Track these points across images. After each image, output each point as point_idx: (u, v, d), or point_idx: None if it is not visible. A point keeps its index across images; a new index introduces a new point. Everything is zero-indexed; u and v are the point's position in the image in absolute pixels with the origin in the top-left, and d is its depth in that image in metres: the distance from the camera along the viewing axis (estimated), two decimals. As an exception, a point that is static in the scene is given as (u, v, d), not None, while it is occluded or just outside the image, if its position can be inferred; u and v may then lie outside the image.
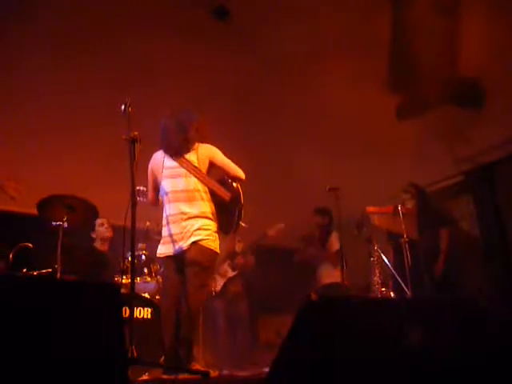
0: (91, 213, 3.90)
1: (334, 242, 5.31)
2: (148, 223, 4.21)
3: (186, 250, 3.18)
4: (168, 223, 3.26)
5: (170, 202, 3.28)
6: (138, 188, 3.38)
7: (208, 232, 3.21)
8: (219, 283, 5.36)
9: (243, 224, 3.28)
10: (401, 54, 5.19)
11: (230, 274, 5.39)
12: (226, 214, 3.29)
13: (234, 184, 3.34)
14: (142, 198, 3.51)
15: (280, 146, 5.67)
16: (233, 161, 3.39)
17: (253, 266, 5.51)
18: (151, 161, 3.44)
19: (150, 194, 3.48)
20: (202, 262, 3.17)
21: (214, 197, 3.30)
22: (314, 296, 2.15)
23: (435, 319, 2.05)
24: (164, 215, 3.33)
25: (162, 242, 3.32)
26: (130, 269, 3.82)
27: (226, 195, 3.26)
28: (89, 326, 1.86)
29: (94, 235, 4.63)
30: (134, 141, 2.87)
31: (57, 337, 1.83)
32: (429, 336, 1.96)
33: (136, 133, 2.91)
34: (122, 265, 3.87)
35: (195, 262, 3.15)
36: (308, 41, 5.25)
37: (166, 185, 3.31)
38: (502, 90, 5.02)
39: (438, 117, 5.34)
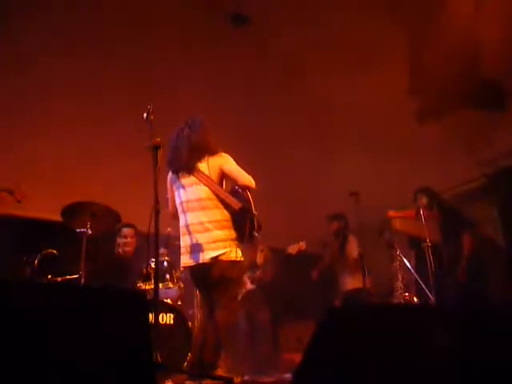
0: (114, 219, 3.94)
1: (353, 248, 5.27)
2: (169, 229, 4.24)
3: (208, 266, 3.15)
4: (184, 233, 3.26)
5: (183, 211, 3.28)
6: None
7: (226, 243, 3.16)
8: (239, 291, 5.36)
9: (257, 234, 3.25)
10: (421, 57, 5.16)
11: (249, 286, 5.38)
12: (238, 223, 3.23)
13: (245, 193, 3.27)
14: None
15: (297, 151, 5.66)
16: (250, 169, 3.33)
17: (271, 279, 5.50)
18: (169, 173, 3.44)
19: (171, 205, 3.43)
20: (230, 277, 3.17)
21: (227, 206, 3.25)
22: (336, 303, 2.16)
23: (469, 329, 2.02)
24: (180, 225, 3.32)
25: (181, 252, 3.31)
26: (152, 275, 3.90)
27: (235, 205, 3.19)
28: (115, 333, 1.87)
29: (119, 240, 4.67)
30: (156, 147, 2.89)
31: (83, 343, 1.84)
32: (461, 346, 1.93)
33: (158, 139, 2.92)
34: (144, 271, 3.90)
35: (222, 280, 3.14)
36: (324, 44, 5.25)
37: (180, 194, 3.32)
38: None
39: (459, 119, 5.29)
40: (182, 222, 3.30)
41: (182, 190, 3.31)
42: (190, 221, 3.23)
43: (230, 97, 5.48)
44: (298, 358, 5.06)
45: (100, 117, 5.04)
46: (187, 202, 3.27)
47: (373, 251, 4.58)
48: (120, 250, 4.65)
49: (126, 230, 4.62)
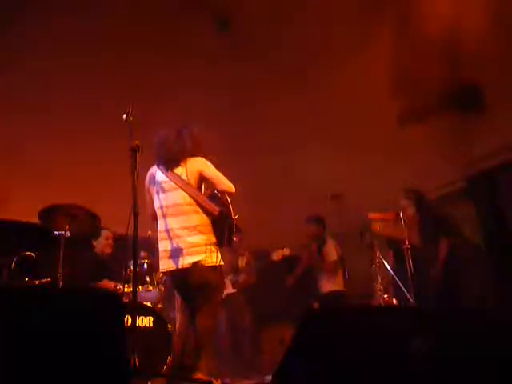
0: (93, 221, 3.90)
1: (331, 251, 5.30)
2: (150, 232, 4.21)
3: (188, 271, 3.14)
4: (163, 238, 3.25)
5: (161, 217, 3.26)
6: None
7: (205, 248, 3.16)
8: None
9: (235, 239, 3.26)
10: (402, 59, 5.21)
11: (230, 290, 5.37)
12: (217, 228, 3.25)
13: (223, 197, 3.28)
14: None
15: (279, 151, 5.67)
16: (229, 171, 3.32)
17: (253, 283, 5.50)
18: (147, 177, 3.42)
19: (150, 208, 3.39)
20: (210, 282, 3.18)
21: (206, 211, 3.25)
22: (315, 305, 2.17)
23: (446, 330, 2.04)
24: (158, 230, 3.30)
25: (160, 256, 3.29)
26: (132, 277, 3.87)
27: (214, 209, 3.20)
28: (90, 336, 1.86)
29: (95, 243, 4.64)
30: (135, 150, 2.87)
31: (59, 346, 1.83)
32: (437, 347, 1.95)
33: (137, 142, 2.90)
34: (123, 273, 3.87)
35: (203, 285, 3.16)
36: (308, 45, 5.28)
37: (157, 200, 3.30)
38: (503, 96, 5.03)
39: (440, 122, 5.35)
40: (160, 227, 3.27)
41: (161, 195, 3.29)
42: (169, 226, 3.21)
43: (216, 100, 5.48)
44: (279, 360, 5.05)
45: (84, 116, 4.99)
46: (166, 207, 3.25)
47: (353, 253, 4.61)
48: (99, 253, 4.61)
49: (105, 233, 4.62)
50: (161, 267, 3.29)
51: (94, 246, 4.63)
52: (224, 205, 3.24)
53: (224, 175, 3.29)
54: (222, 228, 3.21)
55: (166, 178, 3.29)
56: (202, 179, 3.29)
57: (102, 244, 4.61)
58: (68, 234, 3.65)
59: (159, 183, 3.30)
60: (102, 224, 4.08)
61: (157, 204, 3.31)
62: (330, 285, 5.20)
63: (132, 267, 3.83)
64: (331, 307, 2.92)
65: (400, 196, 4.92)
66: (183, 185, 3.21)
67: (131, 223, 2.74)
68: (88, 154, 5.05)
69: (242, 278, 5.43)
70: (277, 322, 5.66)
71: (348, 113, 5.20)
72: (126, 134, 2.96)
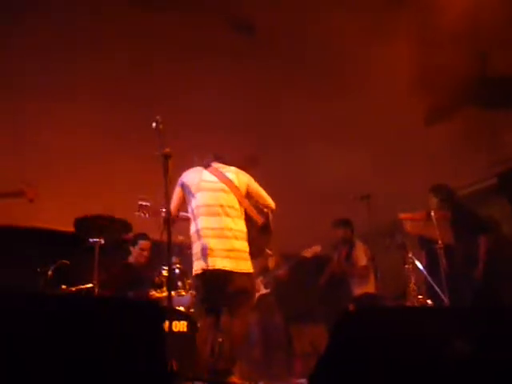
0: (125, 228, 3.97)
1: (360, 256, 5.21)
2: (181, 237, 4.25)
3: (226, 274, 3.16)
4: (206, 236, 3.21)
5: (203, 214, 3.26)
6: (141, 203, 3.36)
7: (244, 254, 3.25)
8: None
9: (269, 251, 3.27)
10: (427, 58, 5.15)
11: (263, 291, 5.36)
12: (255, 238, 3.32)
13: (268, 212, 3.44)
14: (144, 214, 3.38)
15: (305, 152, 5.67)
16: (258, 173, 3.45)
17: (286, 279, 5.46)
18: (185, 175, 3.44)
19: (173, 207, 3.30)
20: (247, 289, 3.26)
21: (249, 219, 3.35)
22: (350, 307, 2.17)
23: (486, 331, 2.01)
24: (195, 228, 3.29)
25: (196, 257, 3.25)
26: (165, 283, 3.93)
27: (259, 219, 3.34)
28: (131, 343, 1.88)
29: (132, 249, 4.70)
30: (166, 157, 2.92)
31: (99, 354, 1.84)
32: (477, 347, 1.92)
33: (168, 149, 2.95)
34: (156, 279, 3.92)
35: (240, 292, 3.20)
36: (332, 45, 5.25)
37: (203, 197, 3.30)
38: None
39: (469, 119, 5.26)
40: (200, 225, 3.25)
41: (206, 193, 3.31)
42: (210, 225, 3.22)
43: (242, 102, 5.50)
44: (312, 362, 5.07)
45: (114, 126, 5.08)
46: (208, 206, 3.27)
47: (384, 254, 4.56)
48: (134, 260, 4.68)
49: (143, 243, 4.67)
50: (199, 266, 3.22)
51: (130, 252, 4.69)
52: (266, 217, 3.38)
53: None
54: (261, 239, 3.33)
55: (215, 179, 3.34)
56: (248, 192, 3.41)
57: (137, 253, 4.67)
58: (102, 241, 3.72)
59: (209, 182, 3.34)
60: (135, 230, 4.15)
61: (199, 202, 3.29)
62: (361, 287, 5.14)
63: (164, 272, 3.94)
64: (367, 308, 2.89)
65: (429, 195, 4.84)
66: (234, 188, 3.31)
67: (165, 229, 2.78)
68: (120, 159, 5.11)
69: (280, 272, 5.38)
70: (307, 324, 5.65)
71: (375, 112, 5.16)
72: (155, 141, 3.02)
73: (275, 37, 5.39)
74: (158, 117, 3.05)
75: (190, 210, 3.37)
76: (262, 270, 5.37)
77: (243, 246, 3.24)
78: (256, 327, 5.22)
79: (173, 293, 4.13)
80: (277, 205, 3.46)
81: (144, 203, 3.35)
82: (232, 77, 5.44)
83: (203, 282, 3.24)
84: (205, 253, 3.17)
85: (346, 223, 5.36)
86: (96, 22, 4.63)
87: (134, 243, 4.69)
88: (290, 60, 5.41)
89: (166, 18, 5.01)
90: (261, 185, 3.50)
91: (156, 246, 4.51)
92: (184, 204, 3.42)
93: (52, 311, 1.93)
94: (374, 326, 2.17)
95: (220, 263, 3.15)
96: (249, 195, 3.40)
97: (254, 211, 3.36)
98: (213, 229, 3.22)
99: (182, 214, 3.42)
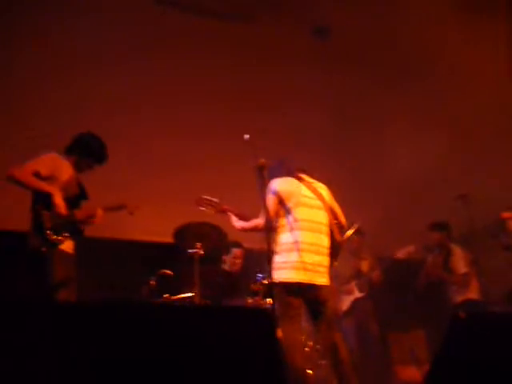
0: (221, 237, 4.09)
1: (459, 263, 4.93)
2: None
3: (320, 288, 3.31)
4: (303, 250, 3.29)
5: (302, 229, 3.32)
6: (206, 197, 3.55)
7: (328, 270, 3.40)
8: (346, 303, 5.24)
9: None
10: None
11: (357, 294, 5.24)
12: (332, 254, 3.47)
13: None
14: (209, 209, 3.60)
15: (395, 154, 5.55)
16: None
17: (380, 282, 5.31)
18: (280, 184, 3.40)
19: (271, 215, 3.30)
20: (330, 302, 3.42)
21: (332, 235, 3.47)
22: (461, 314, 2.08)
23: None
24: (293, 240, 3.31)
25: (290, 266, 3.28)
26: (262, 290, 3.99)
27: (340, 237, 3.46)
28: (247, 352, 1.89)
29: (225, 258, 4.83)
30: (261, 168, 2.99)
31: (214, 364, 1.84)
32: None
33: (263, 160, 3.02)
34: (253, 287, 3.99)
35: (327, 304, 3.36)
36: (417, 47, 5.15)
37: (304, 212, 3.36)
38: None
39: None
40: (300, 238, 3.31)
41: (304, 209, 3.37)
42: (308, 240, 3.31)
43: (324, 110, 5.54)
44: (411, 370, 4.87)
45: (203, 138, 5.30)
46: (309, 221, 3.35)
47: (488, 256, 4.31)
48: (227, 268, 4.80)
49: (236, 251, 4.75)
50: (295, 277, 3.27)
51: (224, 261, 4.82)
52: (344, 234, 3.55)
53: None
54: (335, 255, 3.46)
55: (313, 195, 3.41)
56: (330, 208, 3.49)
57: (231, 262, 4.79)
58: (201, 251, 3.86)
59: (307, 197, 3.40)
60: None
61: (300, 216, 3.35)
62: (462, 294, 4.89)
63: (261, 280, 4.00)
64: (480, 314, 2.77)
65: None
66: (326, 205, 3.43)
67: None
68: (211, 168, 5.29)
69: (373, 276, 5.26)
70: (405, 330, 5.46)
71: (476, 109, 4.95)
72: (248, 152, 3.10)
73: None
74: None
75: (286, 220, 3.37)
76: (356, 274, 5.26)
77: (328, 261, 3.40)
78: (352, 334, 5.11)
79: (270, 300, 4.20)
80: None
81: (209, 198, 3.55)
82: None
83: (297, 292, 3.30)
84: (303, 266, 3.28)
85: (442, 227, 5.08)
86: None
87: (228, 251, 4.79)
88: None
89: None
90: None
91: (248, 254, 4.63)
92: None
93: (163, 320, 1.99)
94: (486, 331, 2.09)
95: (317, 279, 3.30)
96: (331, 211, 3.49)
97: (336, 228, 3.45)
98: (312, 244, 3.32)
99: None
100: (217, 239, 4.07)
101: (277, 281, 3.21)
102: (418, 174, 5.11)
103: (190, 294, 3.91)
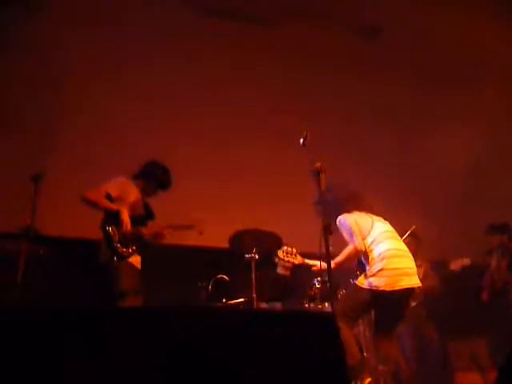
0: (277, 242, 4.12)
1: None
2: (331, 248, 4.27)
3: (413, 290, 3.44)
4: (398, 256, 3.41)
5: (388, 238, 3.48)
6: (285, 248, 3.69)
7: None
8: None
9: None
10: None
11: (412, 303, 5.13)
12: None
13: None
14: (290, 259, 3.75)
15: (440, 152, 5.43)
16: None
17: (437, 290, 5.16)
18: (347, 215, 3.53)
19: (359, 242, 3.44)
20: None
21: None
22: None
23: None
24: (387, 248, 3.42)
25: (397, 273, 3.35)
26: (318, 295, 3.99)
27: None
28: (312, 354, 1.89)
29: (277, 261, 4.85)
30: (318, 172, 2.99)
31: (277, 369, 1.84)
32: None
33: (319, 164, 3.02)
34: (310, 292, 4.00)
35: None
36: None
37: (378, 226, 3.54)
38: None
39: None
40: (389, 246, 3.42)
41: (377, 223, 3.54)
42: (397, 247, 3.46)
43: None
44: (473, 377, 4.71)
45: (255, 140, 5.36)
46: (387, 231, 3.51)
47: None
48: (281, 271, 4.81)
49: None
50: (404, 283, 3.34)
51: (276, 265, 4.84)
52: None
53: None
54: None
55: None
56: None
57: (281, 264, 4.80)
58: (257, 256, 3.91)
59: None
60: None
61: (378, 230, 3.49)
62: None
63: (317, 285, 4.00)
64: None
65: None
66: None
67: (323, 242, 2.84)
68: (265, 173, 5.34)
69: (426, 283, 5.11)
70: (465, 337, 5.28)
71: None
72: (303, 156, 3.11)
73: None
74: (305, 132, 3.14)
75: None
76: None
77: None
78: (408, 341, 5.00)
79: (326, 304, 4.19)
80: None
81: (289, 249, 3.68)
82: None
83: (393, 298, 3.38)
84: (398, 272, 3.39)
85: (503, 229, 4.90)
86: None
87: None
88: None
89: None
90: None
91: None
92: None
93: (225, 324, 2.01)
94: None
95: (409, 281, 3.41)
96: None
97: None
98: (397, 249, 3.48)
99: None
100: (272, 244, 4.10)
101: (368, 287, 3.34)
102: (473, 178, 4.98)
103: (245, 299, 3.95)
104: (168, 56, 5.38)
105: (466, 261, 4.90)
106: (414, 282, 3.37)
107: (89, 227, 3.76)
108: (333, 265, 3.17)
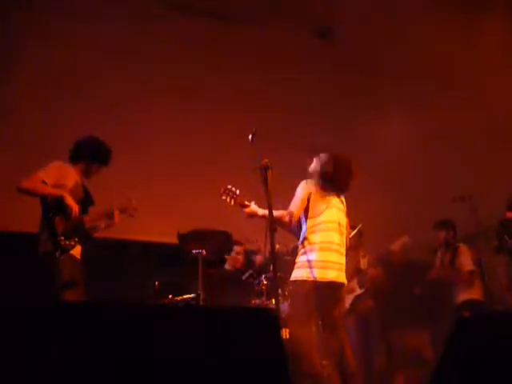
0: (226, 239, 4.11)
1: (465, 261, 4.92)
2: (277, 245, 4.32)
3: (342, 285, 3.39)
4: (332, 250, 3.34)
5: (331, 230, 3.36)
6: (230, 187, 3.28)
7: None
8: (347, 301, 5.25)
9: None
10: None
11: (358, 291, 5.25)
12: None
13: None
14: (229, 200, 3.28)
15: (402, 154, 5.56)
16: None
17: (382, 279, 5.29)
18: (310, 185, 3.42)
19: (298, 212, 3.33)
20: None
21: None
22: (466, 313, 2.09)
23: None
24: (317, 240, 3.33)
25: (324, 265, 3.29)
26: (265, 291, 4.02)
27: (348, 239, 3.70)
28: (253, 352, 1.89)
29: (227, 257, 4.86)
30: (265, 168, 3.00)
31: (219, 367, 1.85)
32: None
33: (266, 160, 3.03)
34: (257, 287, 4.01)
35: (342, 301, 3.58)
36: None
37: (331, 214, 3.39)
38: None
39: None
40: (327, 238, 3.33)
41: (334, 210, 3.42)
42: (337, 241, 3.37)
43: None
44: (415, 372, 4.84)
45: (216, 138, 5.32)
46: (338, 223, 3.40)
47: (490, 258, 4.30)
48: (230, 267, 4.83)
49: (237, 248, 4.82)
50: (328, 276, 3.27)
51: (226, 260, 4.85)
52: None
53: None
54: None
55: (338, 199, 3.50)
56: None
57: (233, 259, 4.82)
58: (204, 252, 3.88)
59: (335, 200, 3.46)
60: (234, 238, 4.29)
61: (327, 217, 3.37)
62: (466, 293, 4.85)
63: (264, 281, 4.03)
64: (485, 313, 2.77)
65: None
66: (346, 212, 3.54)
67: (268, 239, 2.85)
68: (216, 170, 5.30)
69: (370, 272, 5.21)
70: (407, 330, 5.44)
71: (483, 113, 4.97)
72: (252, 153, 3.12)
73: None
74: (253, 128, 3.14)
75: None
76: (355, 272, 5.24)
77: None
78: (354, 333, 5.06)
79: (273, 301, 4.21)
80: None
81: (233, 188, 3.28)
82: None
83: (325, 291, 3.30)
84: (327, 264, 3.34)
85: (448, 225, 5.08)
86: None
87: (229, 251, 4.83)
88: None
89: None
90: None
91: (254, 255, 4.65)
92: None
93: (167, 323, 1.98)
94: (493, 331, 2.08)
95: (339, 276, 3.39)
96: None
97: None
98: (335, 243, 3.38)
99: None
100: (221, 240, 4.09)
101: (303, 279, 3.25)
102: (422, 176, 5.12)
103: (192, 296, 3.91)
104: (142, 56, 5.27)
105: (406, 238, 4.91)
106: (341, 278, 3.34)
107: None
108: (264, 214, 3.11)
